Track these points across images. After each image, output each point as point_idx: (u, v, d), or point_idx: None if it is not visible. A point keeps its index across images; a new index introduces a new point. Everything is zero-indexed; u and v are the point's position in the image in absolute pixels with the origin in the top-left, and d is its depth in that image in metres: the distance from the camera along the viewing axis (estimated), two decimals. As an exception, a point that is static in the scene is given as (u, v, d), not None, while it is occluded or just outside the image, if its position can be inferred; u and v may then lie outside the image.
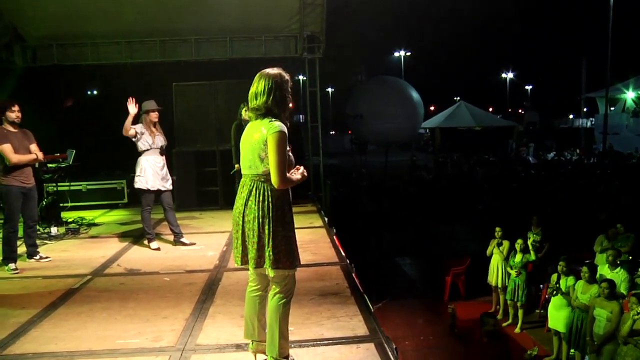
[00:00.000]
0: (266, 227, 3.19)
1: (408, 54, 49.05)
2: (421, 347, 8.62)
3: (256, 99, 3.24)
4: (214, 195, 9.72)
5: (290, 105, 3.34)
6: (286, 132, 3.16)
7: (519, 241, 8.88)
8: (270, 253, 3.19)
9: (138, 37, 10.41)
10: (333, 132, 45.56)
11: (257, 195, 3.21)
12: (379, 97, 21.56)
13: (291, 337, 3.80)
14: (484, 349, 7.87)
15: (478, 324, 9.00)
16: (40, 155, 6.23)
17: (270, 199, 3.20)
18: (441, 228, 14.43)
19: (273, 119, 3.19)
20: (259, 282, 3.47)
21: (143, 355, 3.78)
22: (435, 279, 11.17)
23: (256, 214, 3.20)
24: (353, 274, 5.44)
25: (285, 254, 3.23)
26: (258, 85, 3.25)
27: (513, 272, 8.81)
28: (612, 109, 34.35)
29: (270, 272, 3.24)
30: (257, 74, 3.31)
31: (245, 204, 3.26)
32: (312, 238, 7.07)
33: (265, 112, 3.22)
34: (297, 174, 3.28)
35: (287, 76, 3.30)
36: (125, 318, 4.47)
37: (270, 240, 3.19)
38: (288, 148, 3.24)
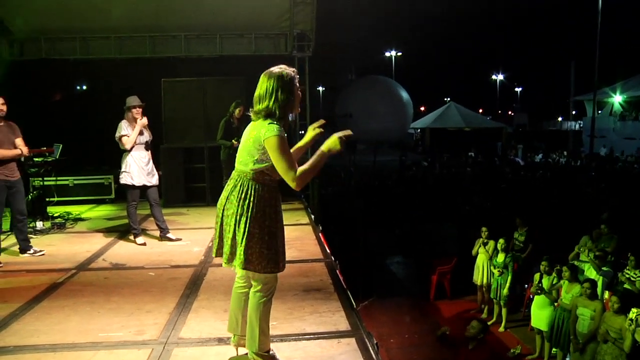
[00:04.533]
0: (242, 225, 3.14)
1: (399, 54, 49.30)
2: (406, 345, 8.68)
3: (259, 103, 3.18)
4: (202, 192, 9.70)
5: (296, 103, 3.25)
6: (283, 134, 3.09)
7: (501, 241, 9.02)
8: (242, 252, 3.14)
9: (127, 33, 10.36)
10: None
11: (240, 192, 3.18)
12: (369, 97, 21.54)
13: (273, 332, 3.83)
14: (469, 348, 7.92)
15: (463, 323, 9.09)
16: (25, 150, 6.19)
17: (252, 198, 3.16)
18: (429, 227, 14.51)
19: (272, 122, 3.12)
20: (246, 279, 3.47)
21: (126, 348, 3.78)
22: (421, 278, 11.24)
23: (235, 210, 3.17)
24: (337, 271, 5.47)
25: (258, 256, 3.16)
26: (261, 88, 3.18)
27: (496, 272, 8.92)
28: (600, 112, 34.72)
29: (238, 271, 3.23)
30: (262, 74, 3.23)
31: (228, 198, 3.23)
32: (298, 235, 7.09)
33: (267, 115, 3.16)
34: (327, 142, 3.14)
35: (291, 73, 3.20)
36: (108, 312, 4.47)
37: (244, 239, 3.14)
38: None
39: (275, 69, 3.20)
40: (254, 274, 3.25)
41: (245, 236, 3.14)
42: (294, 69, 3.26)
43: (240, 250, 3.15)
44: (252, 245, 3.16)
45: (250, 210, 3.15)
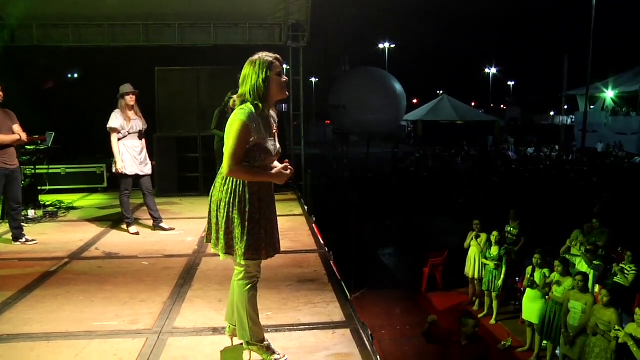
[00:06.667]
0: (222, 210, 3.20)
1: (392, 46, 49.25)
2: (398, 337, 8.73)
3: (238, 91, 3.23)
4: (195, 181, 9.67)
5: (275, 88, 3.19)
6: (246, 121, 3.08)
7: (495, 233, 9.03)
8: (222, 236, 3.21)
9: (121, 21, 10.26)
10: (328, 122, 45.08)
11: (222, 179, 3.24)
12: (362, 88, 21.49)
13: (268, 322, 3.84)
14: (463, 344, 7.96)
15: (454, 314, 9.13)
16: (24, 136, 6.15)
17: (230, 185, 3.19)
18: (422, 220, 14.56)
19: (243, 108, 3.14)
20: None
21: (120, 337, 3.77)
22: (414, 270, 11.29)
23: (217, 197, 3.23)
24: (331, 262, 5.47)
25: (238, 241, 3.19)
26: (241, 74, 3.21)
27: (490, 264, 8.92)
28: (592, 107, 34.88)
29: (221, 256, 3.26)
30: None
31: (214, 185, 3.30)
32: (292, 226, 7.10)
33: (242, 100, 3.21)
34: (276, 169, 3.25)
35: (267, 59, 3.16)
36: (102, 301, 4.45)
37: (223, 224, 3.20)
38: (273, 136, 3.23)
39: (254, 56, 3.21)
40: (236, 261, 3.28)
41: (224, 221, 3.20)
42: (276, 55, 3.23)
43: (220, 235, 3.22)
44: (231, 231, 3.20)
45: (229, 195, 3.19)
